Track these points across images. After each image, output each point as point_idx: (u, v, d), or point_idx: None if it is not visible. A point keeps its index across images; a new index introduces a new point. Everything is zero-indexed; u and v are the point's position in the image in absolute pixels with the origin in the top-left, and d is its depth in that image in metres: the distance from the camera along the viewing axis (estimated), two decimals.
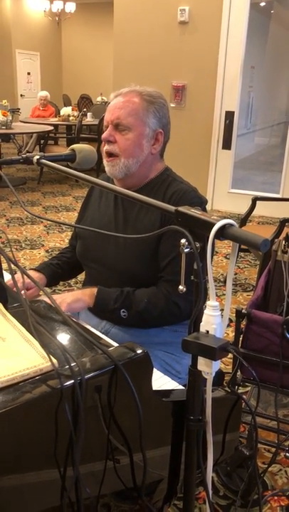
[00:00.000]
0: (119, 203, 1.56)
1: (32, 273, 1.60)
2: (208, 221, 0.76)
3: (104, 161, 1.50)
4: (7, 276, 1.24)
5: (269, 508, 1.61)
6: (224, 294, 0.81)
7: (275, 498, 1.66)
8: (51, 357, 0.80)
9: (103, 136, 1.48)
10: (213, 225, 0.74)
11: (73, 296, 1.40)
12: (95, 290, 1.44)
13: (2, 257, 1.09)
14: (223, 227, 0.74)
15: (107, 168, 1.50)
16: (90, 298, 1.43)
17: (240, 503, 1.62)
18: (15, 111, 8.17)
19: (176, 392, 1.05)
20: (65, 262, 1.72)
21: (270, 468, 1.77)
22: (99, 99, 10.50)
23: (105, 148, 1.48)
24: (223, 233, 0.74)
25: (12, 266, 1.04)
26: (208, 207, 1.57)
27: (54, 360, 0.79)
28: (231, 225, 0.75)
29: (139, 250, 1.47)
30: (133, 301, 1.43)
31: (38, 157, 1.17)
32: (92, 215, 1.64)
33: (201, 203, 1.47)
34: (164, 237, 1.43)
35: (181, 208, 0.82)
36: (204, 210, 1.50)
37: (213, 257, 1.49)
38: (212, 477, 1.70)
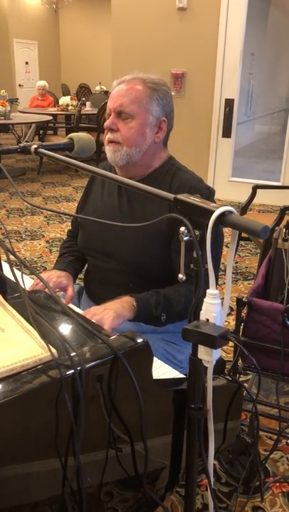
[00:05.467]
0: (123, 191, 1.53)
1: (60, 273, 1.56)
2: (208, 208, 0.76)
3: (106, 147, 1.47)
4: (7, 268, 1.24)
5: (271, 495, 1.62)
6: (225, 283, 0.80)
7: (277, 484, 1.67)
8: (50, 347, 0.80)
9: (106, 124, 1.45)
10: (212, 212, 0.74)
11: (115, 313, 1.26)
12: (132, 301, 1.33)
13: (1, 248, 1.09)
14: (222, 215, 0.74)
15: (108, 154, 1.47)
16: (129, 312, 1.32)
17: (242, 489, 1.63)
18: (13, 101, 8.13)
19: (176, 381, 1.05)
20: (77, 256, 1.69)
21: (271, 456, 1.78)
22: (98, 88, 10.44)
23: (108, 136, 1.46)
24: (222, 221, 0.74)
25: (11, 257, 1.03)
26: None
27: (53, 350, 0.79)
28: (231, 212, 0.74)
29: (142, 240, 1.45)
30: (172, 303, 1.38)
31: (35, 146, 1.15)
32: (95, 204, 1.62)
33: (210, 193, 1.46)
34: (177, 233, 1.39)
35: (180, 196, 0.81)
36: (213, 200, 1.48)
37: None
38: (214, 464, 1.71)
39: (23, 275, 1.17)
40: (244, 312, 1.64)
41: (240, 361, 1.75)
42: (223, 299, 0.80)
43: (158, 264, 1.45)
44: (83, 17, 13.15)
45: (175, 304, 1.38)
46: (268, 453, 1.78)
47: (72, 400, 0.76)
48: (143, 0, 5.45)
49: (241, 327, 1.66)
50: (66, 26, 13.64)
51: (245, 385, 2.08)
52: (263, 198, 4.53)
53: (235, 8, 5.03)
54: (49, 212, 5.04)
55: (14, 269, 1.10)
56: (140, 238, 1.46)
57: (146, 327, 1.43)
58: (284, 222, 1.93)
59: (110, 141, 1.45)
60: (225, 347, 2.44)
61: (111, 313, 1.24)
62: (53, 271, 1.59)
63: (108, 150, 1.47)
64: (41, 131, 7.71)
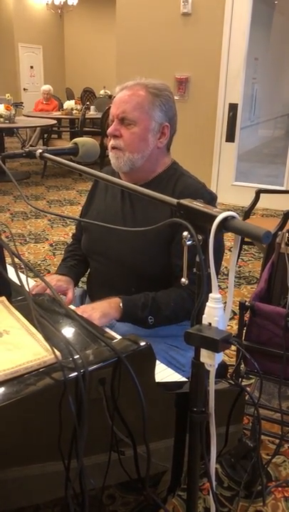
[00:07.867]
0: (126, 195, 1.54)
1: (60, 277, 1.57)
2: (210, 213, 0.76)
3: (110, 154, 1.49)
4: (11, 270, 1.25)
5: (273, 499, 1.62)
6: (228, 287, 0.81)
7: (279, 489, 1.67)
8: (54, 349, 0.80)
9: (109, 130, 1.47)
10: (215, 217, 0.74)
11: (101, 312, 1.32)
12: (119, 302, 1.38)
13: (6, 250, 1.10)
14: (225, 220, 0.74)
15: (112, 161, 1.49)
16: (116, 311, 1.36)
17: (244, 494, 1.63)
18: (18, 105, 8.14)
19: (179, 384, 1.06)
20: (80, 260, 1.71)
21: (274, 460, 1.77)
22: (102, 92, 10.47)
23: (111, 143, 1.47)
24: (225, 225, 0.74)
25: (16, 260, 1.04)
26: None
27: (57, 353, 0.80)
28: (233, 217, 0.75)
29: (145, 244, 1.46)
30: (160, 306, 1.39)
31: (40, 151, 1.17)
32: (98, 208, 1.63)
33: (211, 199, 1.47)
34: (177, 237, 1.40)
35: (183, 201, 0.82)
36: (215, 206, 1.49)
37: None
38: (216, 468, 1.71)
39: (28, 278, 1.18)
40: (247, 316, 1.64)
41: (242, 365, 1.75)
42: (225, 303, 0.81)
43: (159, 266, 1.46)
44: (88, 22, 13.20)
45: (163, 307, 1.39)
46: (270, 457, 1.77)
47: (75, 402, 0.77)
48: (147, 5, 5.47)
49: (244, 331, 1.66)
50: (71, 31, 13.70)
51: (248, 389, 2.08)
52: (266, 202, 4.54)
53: (240, 13, 5.05)
54: (53, 216, 5.06)
55: (19, 271, 1.10)
56: (141, 241, 1.47)
57: (149, 331, 1.44)
58: (287, 227, 1.94)
59: (113, 148, 1.47)
60: (228, 351, 2.44)
61: (98, 312, 1.31)
62: (53, 275, 1.61)
63: (111, 156, 1.48)
64: (45, 135, 7.74)
